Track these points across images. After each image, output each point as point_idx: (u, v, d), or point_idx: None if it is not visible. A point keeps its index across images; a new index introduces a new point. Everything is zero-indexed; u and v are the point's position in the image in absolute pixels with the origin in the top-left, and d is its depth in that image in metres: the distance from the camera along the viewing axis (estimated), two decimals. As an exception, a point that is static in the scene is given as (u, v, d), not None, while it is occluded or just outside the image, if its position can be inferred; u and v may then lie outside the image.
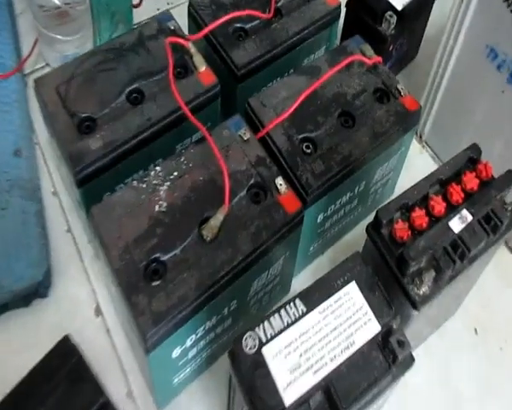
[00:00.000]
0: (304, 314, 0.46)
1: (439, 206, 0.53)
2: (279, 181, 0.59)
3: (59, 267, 0.73)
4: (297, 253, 0.65)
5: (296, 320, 0.46)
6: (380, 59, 0.70)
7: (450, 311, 0.71)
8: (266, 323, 0.46)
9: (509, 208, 0.54)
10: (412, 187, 0.54)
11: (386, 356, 0.45)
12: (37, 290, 0.69)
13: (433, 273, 0.50)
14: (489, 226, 0.52)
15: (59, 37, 0.82)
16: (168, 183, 0.59)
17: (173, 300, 0.51)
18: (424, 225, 0.52)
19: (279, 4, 0.75)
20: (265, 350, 0.44)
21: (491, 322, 0.73)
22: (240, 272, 0.55)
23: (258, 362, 0.44)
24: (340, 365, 0.44)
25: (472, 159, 0.58)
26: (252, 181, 0.59)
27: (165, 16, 0.72)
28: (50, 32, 0.82)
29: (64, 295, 0.71)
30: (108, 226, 0.55)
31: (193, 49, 0.67)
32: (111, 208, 0.57)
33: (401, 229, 0.51)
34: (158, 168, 0.60)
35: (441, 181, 0.56)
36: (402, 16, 0.80)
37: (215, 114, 0.70)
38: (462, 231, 0.51)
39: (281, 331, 0.45)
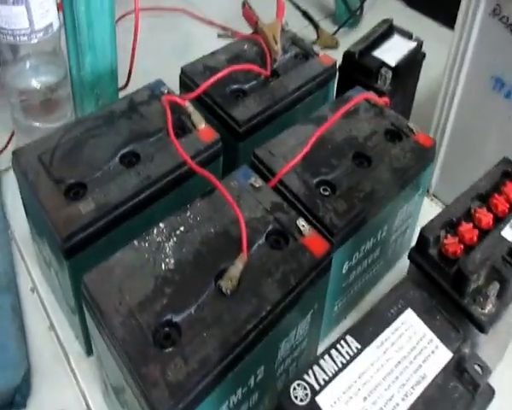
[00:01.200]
0: (359, 352, 0.38)
1: (486, 217, 0.47)
2: (301, 222, 0.52)
3: (41, 369, 0.61)
4: (324, 308, 0.56)
5: (351, 360, 0.38)
6: (387, 100, 0.68)
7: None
8: (316, 367, 0.36)
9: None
10: (453, 203, 0.49)
11: (465, 386, 0.37)
12: (14, 400, 0.57)
13: (496, 286, 0.42)
14: None
15: (39, 125, 0.79)
16: (174, 239, 0.51)
17: (192, 366, 0.41)
18: (475, 238, 0.46)
19: (275, 66, 0.74)
20: (320, 399, 0.35)
21: None
22: (267, 325, 0.45)
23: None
24: (415, 403, 0.36)
25: (506, 172, 0.53)
26: (270, 228, 0.52)
27: (157, 83, 0.69)
28: (30, 120, 0.78)
29: (47, 403, 0.59)
30: (106, 293, 0.46)
31: (190, 108, 0.63)
32: (108, 273, 0.48)
33: (452, 244, 0.44)
34: (161, 225, 0.52)
35: (481, 195, 0.50)
36: (396, 72, 0.80)
37: (218, 172, 0.64)
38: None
39: (335, 375, 0.37)
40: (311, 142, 0.60)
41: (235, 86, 0.71)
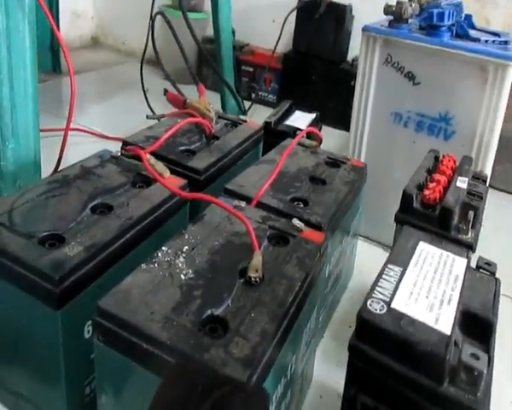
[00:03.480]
0: (403, 271, 0.44)
1: (442, 177, 0.57)
2: (297, 222, 0.55)
3: None
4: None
5: (401, 277, 0.43)
6: (317, 143, 0.78)
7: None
8: (378, 289, 0.41)
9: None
10: (413, 176, 0.59)
11: (486, 274, 0.47)
12: None
13: (472, 214, 0.51)
14: (479, 181, 0.61)
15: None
16: (183, 255, 0.50)
17: (254, 339, 0.40)
18: (442, 190, 0.55)
19: (213, 131, 0.81)
20: (395, 305, 0.39)
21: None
22: (305, 292, 0.47)
23: (396, 315, 0.38)
24: (462, 291, 0.42)
25: (436, 157, 0.67)
26: (268, 233, 0.55)
27: (104, 151, 0.69)
28: None
29: None
30: (132, 310, 0.42)
31: (152, 160, 0.65)
32: (126, 295, 0.44)
33: (432, 193, 0.53)
34: (164, 248, 0.50)
35: (428, 170, 0.62)
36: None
37: (185, 216, 0.65)
38: (467, 186, 0.58)
39: (396, 289, 0.41)
40: (276, 172, 0.66)
41: (182, 147, 0.74)
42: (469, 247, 0.50)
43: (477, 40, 0.75)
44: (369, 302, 0.38)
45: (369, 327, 0.37)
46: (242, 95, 1.43)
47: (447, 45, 0.73)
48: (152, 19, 1.17)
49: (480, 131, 0.74)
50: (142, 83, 1.26)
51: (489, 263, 0.47)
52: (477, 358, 0.34)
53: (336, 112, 1.35)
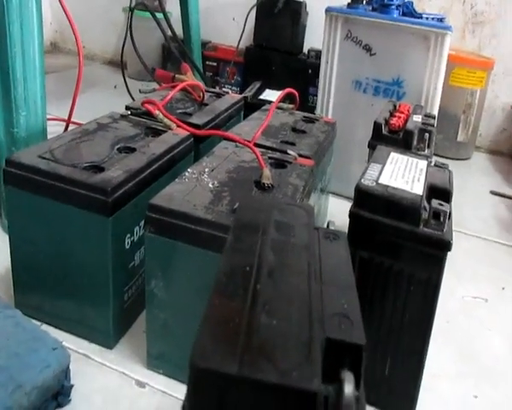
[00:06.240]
0: (383, 166, 0.57)
1: (403, 115, 0.72)
2: (290, 152, 0.69)
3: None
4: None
5: (382, 169, 0.56)
6: (294, 106, 0.92)
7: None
8: (367, 174, 0.54)
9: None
10: (380, 113, 0.74)
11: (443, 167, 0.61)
12: (63, 385, 0.54)
13: (427, 136, 0.66)
14: (430, 118, 0.76)
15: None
16: (206, 174, 0.61)
17: None
18: (403, 121, 0.70)
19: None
20: (381, 180, 0.53)
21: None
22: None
23: (383, 185, 0.52)
24: (426, 175, 0.56)
25: (394, 104, 0.81)
26: (269, 162, 0.67)
27: (112, 113, 0.80)
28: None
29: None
30: (178, 204, 0.54)
31: (160, 115, 0.76)
32: (169, 196, 0.55)
33: (396, 121, 0.68)
34: (189, 170, 0.62)
35: (390, 111, 0.77)
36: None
37: (191, 159, 0.76)
38: (421, 120, 0.74)
39: (380, 174, 0.55)
40: (266, 122, 0.79)
41: (179, 111, 0.86)
42: (427, 158, 0.65)
43: (420, 17, 0.92)
44: (362, 180, 0.52)
45: (365, 194, 0.50)
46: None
47: (397, 20, 0.90)
48: (129, 18, 1.26)
49: (426, 89, 0.90)
50: (124, 73, 1.34)
51: (444, 164, 0.62)
52: (442, 205, 0.49)
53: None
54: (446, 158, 1.38)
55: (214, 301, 0.26)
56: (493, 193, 1.24)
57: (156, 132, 0.75)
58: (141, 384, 0.59)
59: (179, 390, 0.58)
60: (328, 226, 0.38)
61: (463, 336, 0.73)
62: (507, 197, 1.22)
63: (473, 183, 1.31)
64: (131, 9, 1.22)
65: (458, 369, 0.67)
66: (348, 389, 0.22)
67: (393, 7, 0.90)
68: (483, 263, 0.94)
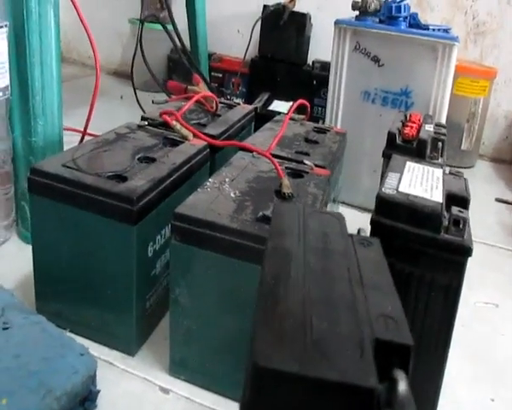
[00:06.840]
0: (401, 175, 0.58)
1: (415, 124, 0.74)
2: (307, 162, 0.71)
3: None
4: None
5: (400, 177, 0.57)
6: (305, 117, 0.94)
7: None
8: (386, 183, 0.55)
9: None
10: (392, 124, 0.76)
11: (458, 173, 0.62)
12: (91, 391, 0.55)
13: (440, 144, 0.68)
14: (440, 127, 0.77)
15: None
16: (227, 184, 0.63)
17: None
18: (416, 130, 0.71)
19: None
20: (401, 188, 0.54)
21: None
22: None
23: (403, 193, 0.53)
24: (443, 183, 0.57)
25: (405, 115, 0.83)
26: (286, 172, 0.69)
27: (129, 123, 0.81)
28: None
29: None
30: (203, 212, 0.55)
31: (178, 126, 0.78)
32: (193, 205, 0.57)
33: (409, 131, 0.69)
34: (211, 180, 0.64)
35: (401, 121, 0.78)
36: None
37: (207, 170, 0.78)
38: (433, 129, 0.75)
39: (399, 182, 0.56)
40: (281, 133, 0.81)
41: (193, 121, 0.87)
42: (441, 166, 0.67)
43: (427, 28, 0.95)
44: (383, 189, 0.53)
45: (386, 202, 0.52)
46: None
47: (405, 32, 0.92)
48: (140, 29, 1.28)
49: (434, 99, 0.93)
50: (134, 84, 1.35)
51: (459, 172, 0.63)
52: (461, 212, 0.50)
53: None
54: (451, 166, 1.40)
55: (266, 303, 0.27)
56: (498, 200, 1.26)
57: (173, 143, 0.77)
58: (165, 391, 0.60)
59: (203, 396, 0.59)
60: (359, 233, 0.40)
61: (478, 340, 0.75)
62: (511, 204, 1.24)
63: (477, 190, 1.33)
64: (142, 21, 1.23)
65: (475, 373, 0.68)
66: (402, 386, 0.23)
67: (401, 19, 0.92)
68: (490, 269, 0.95)
